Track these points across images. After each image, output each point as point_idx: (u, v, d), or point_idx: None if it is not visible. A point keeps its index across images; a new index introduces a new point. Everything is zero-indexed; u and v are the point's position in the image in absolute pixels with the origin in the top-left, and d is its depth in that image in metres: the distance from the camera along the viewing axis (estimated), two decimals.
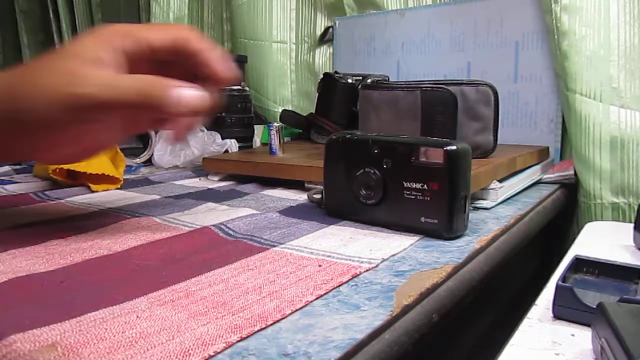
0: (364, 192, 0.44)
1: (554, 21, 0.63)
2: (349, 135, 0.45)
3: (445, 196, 0.40)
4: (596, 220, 0.61)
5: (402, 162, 0.41)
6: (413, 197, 0.41)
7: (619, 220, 0.60)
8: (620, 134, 0.60)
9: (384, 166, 0.42)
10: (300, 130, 0.86)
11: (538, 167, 0.65)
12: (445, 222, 0.40)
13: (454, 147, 0.39)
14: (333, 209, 0.47)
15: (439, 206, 0.40)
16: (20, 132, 0.34)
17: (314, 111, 0.81)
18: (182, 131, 0.40)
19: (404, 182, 0.41)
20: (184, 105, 0.33)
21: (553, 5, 0.63)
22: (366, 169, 0.43)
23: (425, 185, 0.40)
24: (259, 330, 0.25)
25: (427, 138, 0.43)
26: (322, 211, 0.48)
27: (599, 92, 0.61)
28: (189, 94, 0.33)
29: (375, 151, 0.43)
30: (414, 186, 0.41)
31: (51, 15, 1.38)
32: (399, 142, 0.42)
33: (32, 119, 0.33)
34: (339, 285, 0.30)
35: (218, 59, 0.37)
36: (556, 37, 0.63)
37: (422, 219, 0.41)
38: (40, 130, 0.34)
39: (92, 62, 0.33)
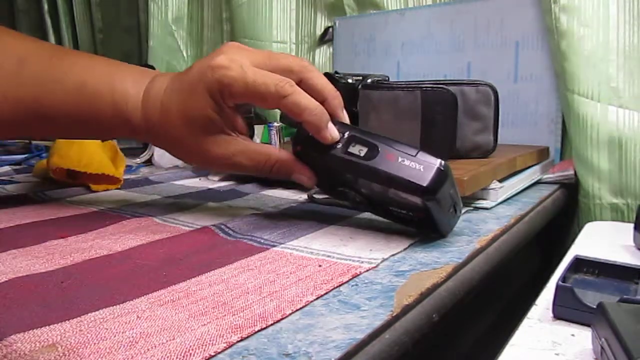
0: (350, 202, 0.43)
1: (554, 21, 0.63)
2: (314, 154, 0.40)
3: (433, 221, 0.38)
4: (596, 220, 0.61)
5: (380, 194, 0.39)
6: (401, 216, 0.40)
7: (618, 221, 0.60)
8: (619, 134, 0.60)
9: (363, 191, 0.40)
10: None
11: (538, 167, 0.65)
12: (438, 233, 0.40)
13: (430, 183, 0.35)
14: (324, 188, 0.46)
15: (428, 224, 0.39)
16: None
17: None
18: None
19: (389, 207, 0.40)
20: (299, 180, 0.42)
21: (552, 5, 0.63)
22: (345, 189, 0.41)
23: (410, 213, 0.39)
24: (259, 330, 0.25)
25: (399, 163, 0.36)
26: (322, 211, 0.48)
27: (597, 92, 0.61)
28: (302, 180, 0.42)
29: (348, 176, 0.39)
30: (398, 211, 0.40)
31: (47, 16, 1.38)
32: (366, 173, 0.37)
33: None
34: (339, 285, 0.30)
35: (320, 134, 0.40)
36: (556, 37, 0.63)
37: (415, 228, 0.41)
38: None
39: (209, 129, 0.40)
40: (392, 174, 0.36)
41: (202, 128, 0.40)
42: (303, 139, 0.41)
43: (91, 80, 0.43)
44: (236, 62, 0.39)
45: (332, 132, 0.39)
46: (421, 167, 0.36)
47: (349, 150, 0.38)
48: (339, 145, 0.39)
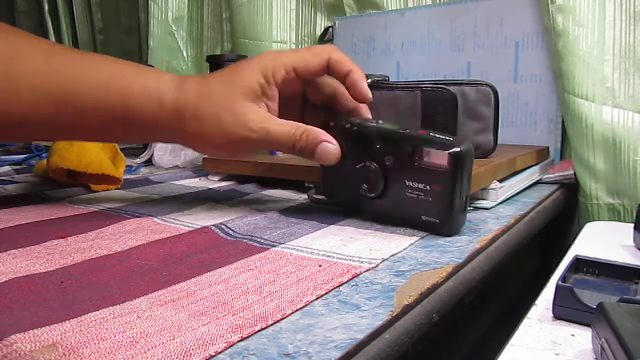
0: (365, 185, 0.43)
1: (551, 21, 0.63)
2: (349, 125, 0.44)
3: (448, 198, 0.39)
4: (594, 220, 0.61)
5: (405, 160, 0.41)
6: (415, 195, 0.41)
7: (615, 221, 0.60)
8: (614, 134, 0.59)
9: (386, 163, 0.42)
10: None
11: (538, 167, 0.65)
12: (446, 222, 0.40)
13: (458, 150, 0.39)
14: (334, 197, 0.48)
15: (440, 207, 0.40)
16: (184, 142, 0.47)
17: None
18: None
19: (406, 181, 0.41)
20: (323, 157, 0.42)
21: (549, 5, 0.63)
22: (367, 163, 0.43)
23: (427, 186, 0.40)
24: (259, 330, 0.25)
25: (431, 135, 0.41)
26: (322, 211, 0.48)
27: (592, 92, 0.61)
28: (329, 149, 0.42)
29: (378, 146, 0.42)
30: (416, 185, 0.41)
31: (48, 16, 1.38)
32: (401, 138, 0.41)
33: (196, 145, 0.46)
34: (339, 285, 0.30)
35: (364, 84, 0.45)
36: (553, 37, 0.64)
37: (423, 217, 0.41)
38: (201, 147, 0.47)
39: (249, 96, 0.42)
40: (426, 137, 0.40)
41: (243, 94, 0.42)
42: (338, 115, 0.45)
43: (120, 74, 0.44)
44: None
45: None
46: (451, 139, 0.40)
47: (383, 125, 0.43)
48: (373, 123, 0.43)
